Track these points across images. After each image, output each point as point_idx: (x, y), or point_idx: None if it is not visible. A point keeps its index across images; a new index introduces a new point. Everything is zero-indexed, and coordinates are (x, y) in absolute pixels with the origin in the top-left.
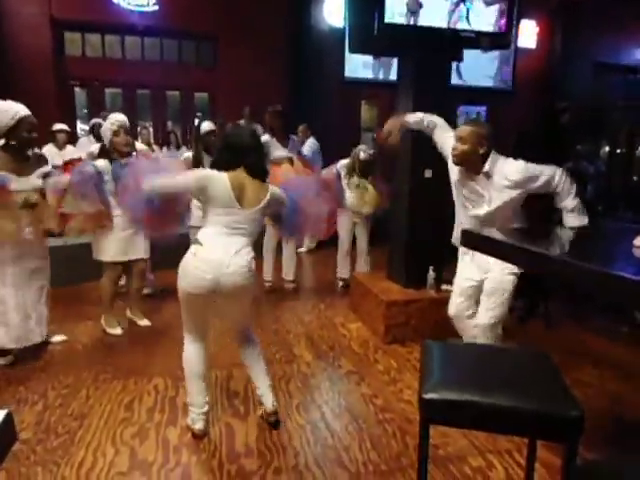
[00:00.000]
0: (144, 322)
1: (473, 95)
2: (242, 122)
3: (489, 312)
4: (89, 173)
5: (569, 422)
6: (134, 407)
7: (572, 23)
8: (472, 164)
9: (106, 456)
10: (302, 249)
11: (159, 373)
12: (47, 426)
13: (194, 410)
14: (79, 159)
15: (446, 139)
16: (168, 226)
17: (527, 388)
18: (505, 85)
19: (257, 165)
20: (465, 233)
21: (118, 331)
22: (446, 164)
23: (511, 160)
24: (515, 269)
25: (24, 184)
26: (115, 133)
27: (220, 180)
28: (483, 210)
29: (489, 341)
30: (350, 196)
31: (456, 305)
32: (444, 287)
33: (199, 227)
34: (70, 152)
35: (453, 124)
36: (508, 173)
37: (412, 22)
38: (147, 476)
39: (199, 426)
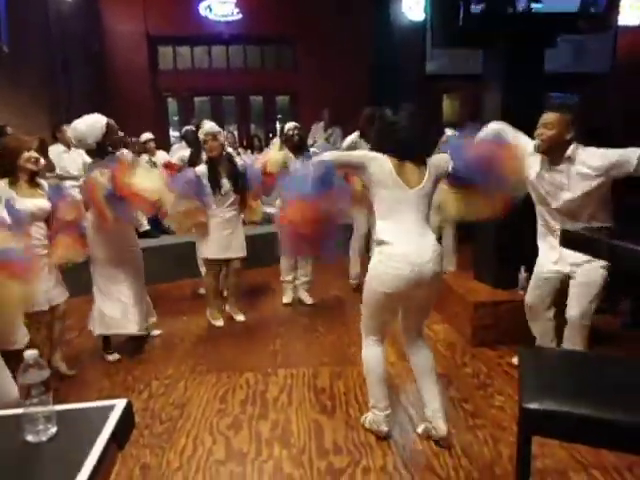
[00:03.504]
0: (239, 317)
1: (564, 80)
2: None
3: (579, 307)
4: (190, 178)
5: None
6: (228, 399)
7: None
8: (557, 151)
9: (204, 444)
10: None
11: (250, 368)
12: (152, 413)
13: (379, 413)
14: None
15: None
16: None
17: None
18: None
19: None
20: (565, 233)
21: (220, 322)
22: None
23: (589, 148)
24: (605, 262)
25: None
26: (205, 141)
27: (382, 160)
28: (563, 200)
29: (577, 338)
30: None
31: (533, 296)
32: None
33: None
34: (161, 157)
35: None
36: (588, 160)
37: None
38: (242, 466)
39: (385, 428)
